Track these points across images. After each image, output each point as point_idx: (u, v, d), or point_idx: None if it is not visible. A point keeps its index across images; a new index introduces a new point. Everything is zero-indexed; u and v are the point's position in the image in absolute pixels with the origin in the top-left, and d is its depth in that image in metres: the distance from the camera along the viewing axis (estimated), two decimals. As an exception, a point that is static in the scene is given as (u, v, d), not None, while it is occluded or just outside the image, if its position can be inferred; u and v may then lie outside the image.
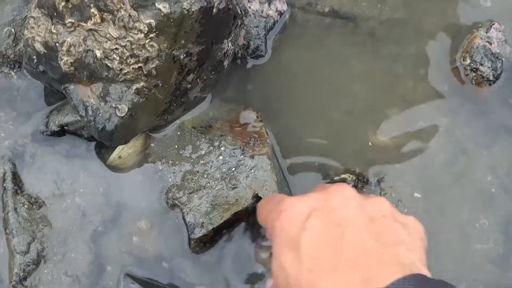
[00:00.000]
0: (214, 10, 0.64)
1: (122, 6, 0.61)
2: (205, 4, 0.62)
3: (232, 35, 0.71)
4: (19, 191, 0.72)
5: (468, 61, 0.78)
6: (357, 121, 0.79)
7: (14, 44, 0.75)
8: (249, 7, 0.78)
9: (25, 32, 0.67)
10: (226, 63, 0.74)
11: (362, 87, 0.80)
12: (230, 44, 0.72)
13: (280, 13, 0.81)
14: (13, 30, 0.75)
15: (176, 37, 0.63)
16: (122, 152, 0.74)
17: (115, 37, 0.63)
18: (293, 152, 0.77)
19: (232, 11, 0.67)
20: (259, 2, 0.79)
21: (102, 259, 0.71)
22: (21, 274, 0.68)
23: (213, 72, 0.73)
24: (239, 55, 0.79)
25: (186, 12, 0.61)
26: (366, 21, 0.82)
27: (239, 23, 0.71)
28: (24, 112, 0.77)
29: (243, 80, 0.80)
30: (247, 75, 0.80)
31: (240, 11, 0.70)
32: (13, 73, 0.76)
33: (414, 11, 0.83)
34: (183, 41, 0.64)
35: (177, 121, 0.76)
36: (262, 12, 0.79)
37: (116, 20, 0.62)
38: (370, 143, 0.78)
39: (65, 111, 0.74)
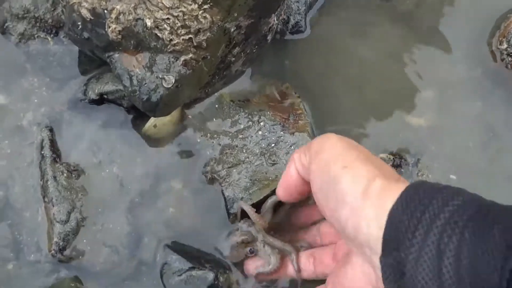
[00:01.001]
0: (268, -16, 0.63)
1: (177, -25, 0.60)
2: (261, -23, 0.61)
3: (279, 10, 0.71)
4: (57, 159, 0.71)
5: (504, 45, 0.79)
6: (393, 101, 0.79)
7: (52, 9, 0.73)
8: (291, -18, 0.77)
9: (71, -4, 0.65)
10: (269, 37, 0.73)
11: (398, 67, 0.80)
12: (275, 19, 0.71)
13: (320, -10, 0.80)
14: (52, -6, 0.73)
15: (230, 9, 0.62)
16: (158, 121, 0.73)
17: (168, 6, 0.62)
18: (328, 130, 0.77)
19: (283, -14, 0.67)
20: (301, -23, 0.78)
21: (139, 230, 0.71)
22: (60, 244, 0.67)
23: (256, 46, 0.72)
24: (278, 29, 0.78)
25: (242, -16, 0.60)
26: (404, 2, 0.82)
27: (287, -2, 0.70)
28: (58, 79, 0.75)
29: (280, 55, 0.79)
30: (285, 50, 0.79)
31: (290, -15, 0.69)
32: (49, 39, 0.75)
33: (451, -6, 0.83)
34: (236, 14, 0.63)
35: (216, 94, 0.75)
36: (303, -13, 0.78)
37: (170, -11, 0.61)
38: (405, 124, 0.78)
39: (105, 80, 0.72)
